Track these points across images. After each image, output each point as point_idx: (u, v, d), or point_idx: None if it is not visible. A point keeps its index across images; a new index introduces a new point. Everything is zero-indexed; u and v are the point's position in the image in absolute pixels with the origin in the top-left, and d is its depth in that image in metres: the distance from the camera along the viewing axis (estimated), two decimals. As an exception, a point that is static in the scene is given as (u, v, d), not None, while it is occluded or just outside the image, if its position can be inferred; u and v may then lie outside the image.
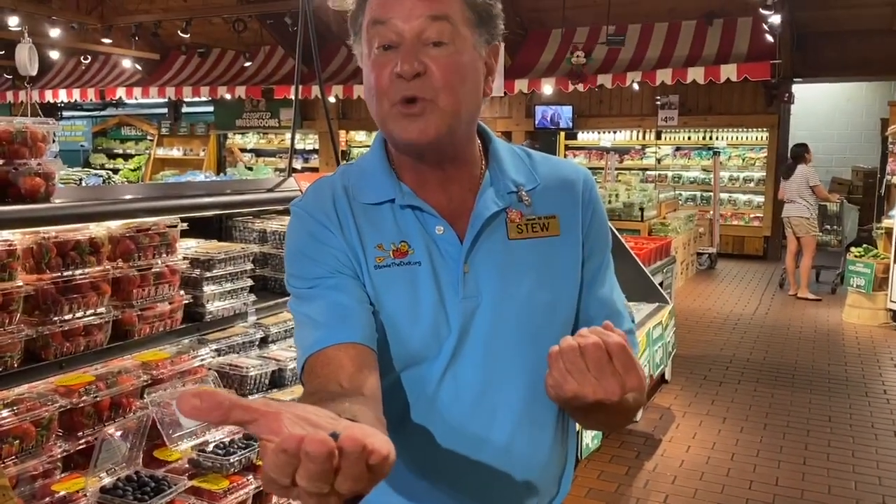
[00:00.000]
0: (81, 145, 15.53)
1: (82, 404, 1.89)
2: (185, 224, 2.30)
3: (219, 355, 2.39)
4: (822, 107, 13.41)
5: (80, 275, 1.95)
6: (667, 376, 5.46)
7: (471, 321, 1.10)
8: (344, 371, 0.99)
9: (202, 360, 2.27)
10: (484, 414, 1.12)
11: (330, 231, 1.12)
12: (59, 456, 1.84)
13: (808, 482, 3.95)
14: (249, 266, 2.54)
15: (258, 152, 15.19)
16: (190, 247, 2.48)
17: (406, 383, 1.12)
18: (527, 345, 1.12)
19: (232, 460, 1.96)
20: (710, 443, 4.47)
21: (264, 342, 2.63)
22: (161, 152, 15.73)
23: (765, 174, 11.44)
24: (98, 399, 1.93)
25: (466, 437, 1.12)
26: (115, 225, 2.12)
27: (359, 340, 1.04)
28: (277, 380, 2.52)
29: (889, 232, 7.61)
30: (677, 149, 12.20)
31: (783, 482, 3.95)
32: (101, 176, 10.46)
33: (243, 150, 15.29)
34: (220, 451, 2.01)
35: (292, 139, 3.72)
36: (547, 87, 10.72)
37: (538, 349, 1.12)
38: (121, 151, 16.25)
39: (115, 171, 14.58)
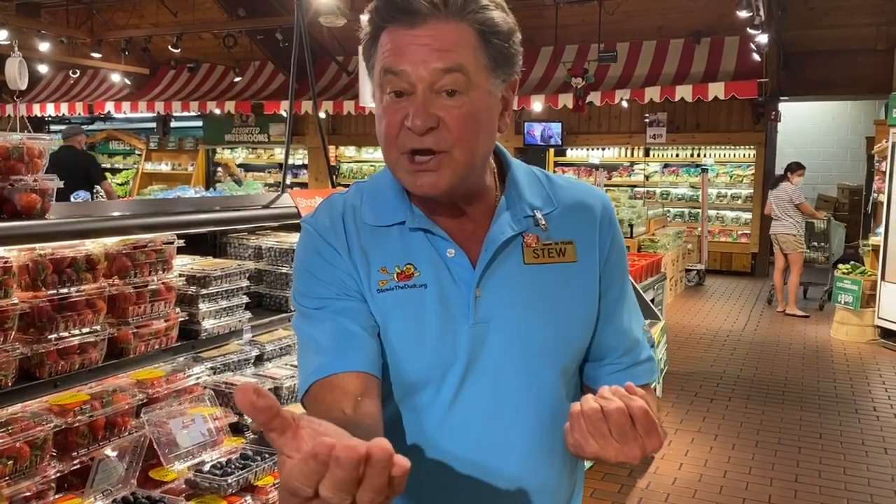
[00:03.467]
0: (69, 160, 15.39)
1: (77, 424, 1.86)
2: (180, 241, 2.28)
3: (214, 373, 2.37)
4: (808, 125, 13.57)
5: (76, 292, 1.93)
6: (658, 393, 5.46)
7: (481, 347, 1.08)
8: (348, 399, 0.99)
9: (197, 378, 2.24)
10: (494, 442, 1.10)
11: (337, 252, 1.10)
12: (53, 477, 1.81)
13: (800, 500, 3.96)
14: (245, 283, 2.52)
15: (247, 167, 15.16)
16: (185, 263, 2.46)
17: (412, 410, 1.11)
18: (538, 372, 1.11)
19: (230, 481, 1.94)
20: (702, 460, 4.47)
21: (259, 360, 2.60)
22: (149, 167, 15.66)
23: (752, 191, 11.53)
24: (93, 418, 1.90)
25: (476, 466, 1.10)
26: (111, 241, 2.10)
27: (364, 369, 1.03)
28: (273, 398, 2.49)
29: (876, 249, 7.68)
30: (665, 166, 12.28)
31: (776, 500, 3.95)
32: (89, 191, 10.37)
33: (232, 165, 15.24)
34: (217, 472, 1.98)
35: (286, 155, 3.69)
36: (537, 104, 10.78)
37: (550, 376, 1.12)
38: (109, 166, 16.16)
39: (103, 185, 14.47)
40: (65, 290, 1.91)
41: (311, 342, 1.07)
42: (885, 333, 7.25)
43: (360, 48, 1.10)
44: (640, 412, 0.87)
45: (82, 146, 8.06)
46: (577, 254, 1.13)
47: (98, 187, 8.03)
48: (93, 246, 2.04)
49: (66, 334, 1.90)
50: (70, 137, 7.94)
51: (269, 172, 14.81)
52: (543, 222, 1.13)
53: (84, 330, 1.96)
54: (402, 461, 0.62)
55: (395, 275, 1.09)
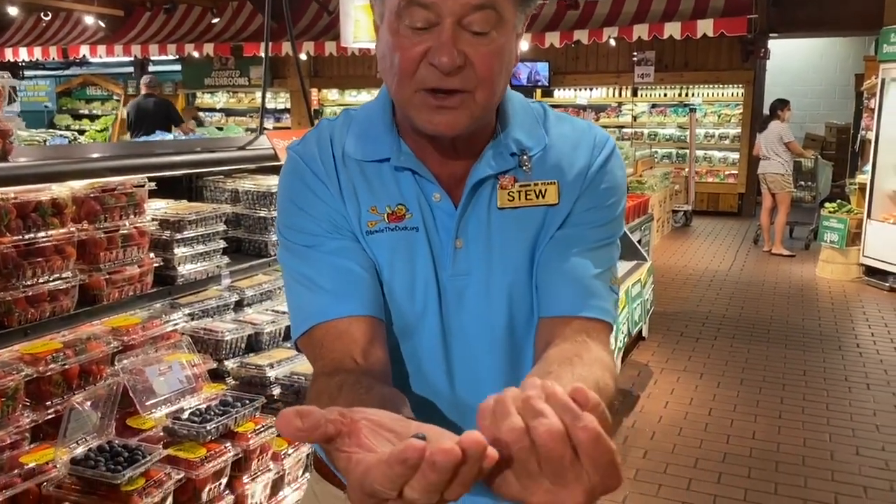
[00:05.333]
0: (45, 106, 15.08)
1: (49, 372, 1.81)
2: (152, 184, 2.20)
3: (192, 320, 2.32)
4: (796, 63, 13.41)
5: (43, 237, 1.86)
6: (644, 333, 5.48)
7: (460, 301, 1.04)
8: (357, 346, 0.95)
9: (175, 324, 2.19)
10: (471, 388, 1.08)
11: (325, 186, 1.03)
12: (26, 427, 1.77)
13: (783, 435, 4.00)
14: (222, 227, 2.45)
15: (228, 112, 14.87)
16: (159, 208, 2.38)
17: (398, 355, 1.07)
18: (515, 327, 1.07)
19: (209, 427, 1.91)
20: (687, 398, 4.51)
21: (239, 306, 2.56)
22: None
23: (740, 131, 11.45)
24: (66, 367, 1.86)
25: (458, 409, 1.08)
26: (78, 185, 2.02)
27: (369, 312, 0.98)
28: (254, 344, 2.45)
29: (862, 187, 7.67)
30: (653, 106, 12.15)
31: (760, 436, 4.00)
32: (67, 137, 10.15)
33: (212, 110, 14.95)
34: (196, 419, 1.95)
35: (263, 97, 3.59)
36: (523, 44, 10.57)
37: (529, 329, 1.07)
38: (86, 112, 15.81)
39: (82, 132, 14.19)
40: (31, 236, 1.84)
41: (305, 280, 1.01)
42: (870, 271, 7.28)
43: None
44: (589, 439, 0.55)
45: (161, 93, 9.41)
46: (559, 195, 1.04)
47: (177, 129, 9.02)
48: (59, 189, 1.96)
49: (33, 281, 1.84)
50: (152, 86, 9.33)
51: (251, 117, 14.53)
52: (528, 164, 1.04)
53: (53, 277, 1.89)
54: (493, 452, 0.56)
55: (385, 215, 1.03)
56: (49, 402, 1.83)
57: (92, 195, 2.00)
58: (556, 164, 1.05)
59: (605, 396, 0.86)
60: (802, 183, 8.91)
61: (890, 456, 3.76)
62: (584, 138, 1.08)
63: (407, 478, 0.54)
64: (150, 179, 2.20)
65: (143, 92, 9.37)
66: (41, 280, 1.86)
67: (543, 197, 1.04)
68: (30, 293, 1.83)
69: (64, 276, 1.92)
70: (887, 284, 6.99)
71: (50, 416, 1.83)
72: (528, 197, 1.03)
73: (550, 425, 0.55)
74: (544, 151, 1.06)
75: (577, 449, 0.56)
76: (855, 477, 3.55)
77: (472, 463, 0.55)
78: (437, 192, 1.03)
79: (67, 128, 14.42)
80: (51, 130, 11.94)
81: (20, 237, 1.82)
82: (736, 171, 11.55)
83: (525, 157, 1.04)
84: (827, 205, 7.86)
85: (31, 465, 1.71)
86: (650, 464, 3.65)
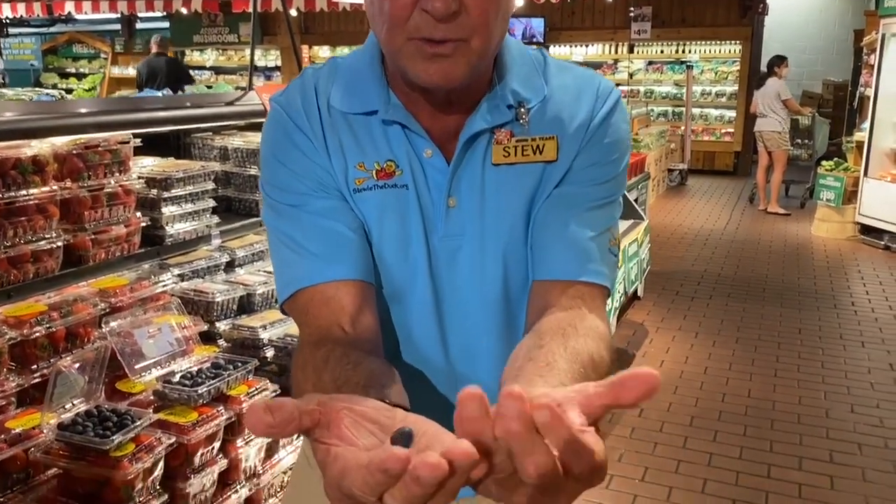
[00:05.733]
0: (31, 64, 14.80)
1: (35, 335, 1.76)
2: (138, 141, 2.12)
3: (182, 281, 2.27)
4: (795, 19, 13.21)
5: (24, 196, 1.79)
6: (639, 292, 5.46)
7: (453, 263, 0.98)
8: (345, 313, 0.90)
9: (164, 285, 2.14)
10: (464, 354, 1.03)
11: (310, 140, 0.96)
12: (12, 391, 1.72)
13: (779, 393, 4.01)
14: (211, 185, 2.38)
15: (217, 70, 14.62)
16: (145, 165, 2.31)
17: (388, 322, 1.02)
18: (511, 291, 1.01)
19: (200, 391, 1.86)
20: (683, 357, 4.50)
21: (230, 266, 2.50)
22: (116, 71, 15.05)
23: (737, 88, 11.33)
24: (52, 329, 1.81)
25: (444, 375, 1.04)
26: (60, 142, 1.94)
27: (358, 277, 0.93)
28: (246, 305, 2.40)
29: (860, 145, 7.60)
30: (650, 63, 11.99)
31: (755, 394, 4.00)
32: (54, 96, 9.97)
33: (202, 68, 14.71)
34: (187, 382, 1.90)
35: (251, 53, 3.50)
36: (517, -1, 10.36)
37: (521, 296, 1.01)
38: (73, 70, 15.52)
39: (69, 91, 13.95)
40: (11, 194, 1.77)
41: (290, 242, 0.95)
42: (865, 230, 7.26)
43: None
44: (587, 464, 0.50)
45: (171, 53, 9.55)
46: (558, 151, 0.97)
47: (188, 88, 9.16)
48: (40, 146, 1.88)
49: (15, 241, 1.77)
50: (162, 45, 9.53)
51: (241, 75, 14.26)
52: (525, 117, 0.97)
53: (36, 237, 1.83)
54: (483, 466, 0.51)
55: (373, 172, 0.96)
56: (35, 366, 1.78)
57: (74, 152, 1.92)
58: (555, 116, 0.98)
59: (599, 369, 0.81)
60: (799, 141, 8.83)
61: (884, 413, 3.77)
62: (587, 88, 1.00)
63: (388, 486, 0.50)
64: (136, 136, 2.12)
65: (153, 51, 9.53)
66: (23, 240, 1.79)
67: (541, 153, 0.97)
68: (11, 254, 1.77)
69: (47, 236, 1.86)
70: (882, 243, 6.98)
71: (36, 381, 1.78)
72: (525, 153, 0.97)
73: (541, 465, 0.49)
74: (543, 103, 0.99)
75: (566, 469, 0.50)
76: (850, 434, 3.56)
77: (461, 474, 0.50)
78: (428, 147, 0.96)
79: (54, 86, 14.17)
80: (37, 89, 11.72)
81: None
82: (732, 130, 11.45)
83: (522, 109, 0.97)
84: (824, 163, 7.80)
85: (18, 430, 1.67)
86: (646, 422, 3.65)
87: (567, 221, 0.96)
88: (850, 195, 7.35)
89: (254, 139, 2.60)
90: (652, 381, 0.50)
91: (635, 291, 5.34)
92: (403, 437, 0.54)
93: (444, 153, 0.96)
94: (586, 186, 0.98)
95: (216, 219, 2.41)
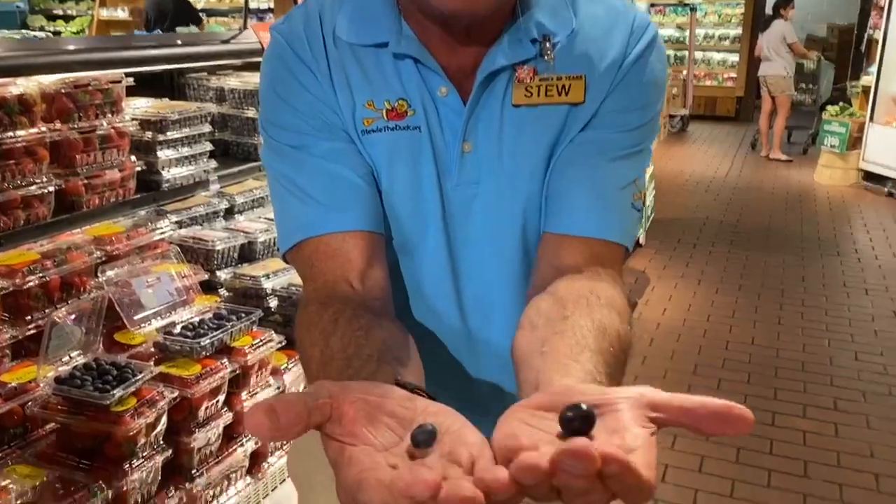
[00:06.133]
0: (17, 6, 14.37)
1: (28, 285, 1.68)
2: (130, 80, 2.01)
3: (180, 228, 2.18)
4: (801, -41, 12.89)
5: (11, 138, 1.69)
6: (641, 240, 5.40)
7: (467, 214, 0.90)
8: (353, 267, 0.83)
9: (162, 233, 2.06)
10: (476, 311, 0.96)
11: (314, 74, 0.87)
12: (6, 343, 1.66)
13: (783, 341, 3.98)
14: (207, 128, 2.28)
15: (209, 12, 14.21)
16: (139, 106, 2.20)
17: (398, 275, 0.95)
18: (529, 249, 0.93)
19: (203, 343, 1.80)
20: (685, 305, 4.47)
21: (230, 213, 2.42)
22: (105, 13, 14.62)
23: (741, 31, 11.09)
24: (46, 279, 1.73)
25: (455, 333, 0.97)
26: (48, 80, 1.83)
27: (367, 227, 0.85)
28: (247, 254, 2.33)
29: (866, 89, 7.46)
30: (652, 5, 11.71)
31: (759, 342, 3.97)
32: (41, 38, 9.70)
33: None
34: (189, 333, 1.83)
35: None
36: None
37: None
38: (61, 12, 15.10)
39: (57, 33, 13.58)
40: (-3, 137, 1.67)
41: (292, 186, 0.87)
42: (868, 176, 7.18)
43: None
44: (631, 473, 0.43)
45: None
46: (585, 93, 0.87)
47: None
48: (27, 84, 1.78)
49: (4, 186, 1.68)
50: None
51: (233, 17, 13.91)
52: (550, 52, 0.87)
53: (25, 181, 1.74)
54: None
55: (384, 112, 0.87)
56: (29, 317, 1.71)
57: (63, 91, 1.82)
58: (583, 53, 0.88)
59: (625, 345, 0.75)
60: (803, 86, 8.69)
61: (888, 361, 3.75)
62: (620, 22, 0.90)
63: None
64: (128, 76, 2.01)
65: None
66: (12, 185, 1.70)
67: (567, 94, 0.87)
68: (0, 199, 1.68)
69: (38, 180, 1.77)
70: (886, 189, 6.90)
71: (31, 332, 1.71)
72: (549, 93, 0.87)
73: (586, 454, 0.43)
74: (571, 38, 0.88)
75: (603, 478, 0.44)
76: (854, 382, 3.54)
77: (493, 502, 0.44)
78: (443, 84, 0.87)
79: (41, 28, 13.76)
80: (23, 31, 11.40)
81: (-15, 138, 1.66)
82: (735, 74, 11.26)
83: (548, 44, 0.87)
84: (829, 108, 7.67)
85: (13, 384, 1.60)
86: (649, 370, 3.62)
87: (589, 170, 0.88)
88: (854, 141, 7.25)
89: (251, 79, 2.49)
90: (745, 427, 0.46)
91: (637, 239, 5.28)
92: (425, 437, 0.49)
93: (460, 92, 0.87)
94: (614, 132, 0.89)
95: (214, 163, 2.31)
